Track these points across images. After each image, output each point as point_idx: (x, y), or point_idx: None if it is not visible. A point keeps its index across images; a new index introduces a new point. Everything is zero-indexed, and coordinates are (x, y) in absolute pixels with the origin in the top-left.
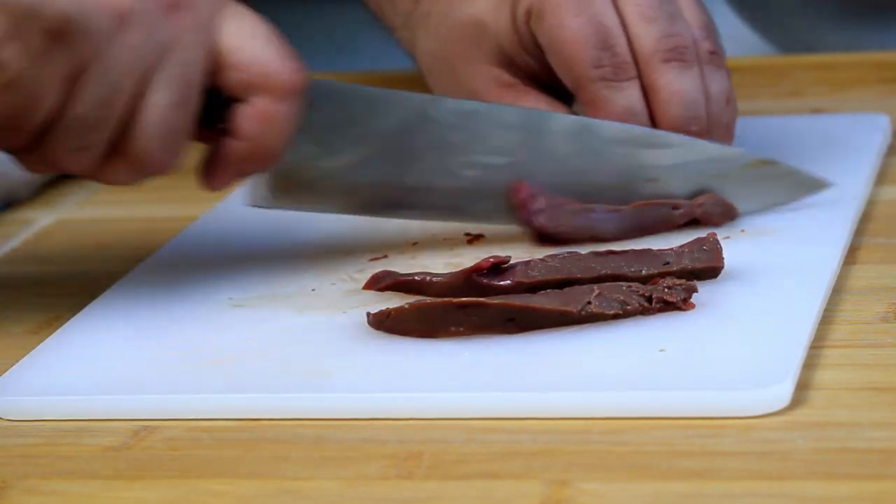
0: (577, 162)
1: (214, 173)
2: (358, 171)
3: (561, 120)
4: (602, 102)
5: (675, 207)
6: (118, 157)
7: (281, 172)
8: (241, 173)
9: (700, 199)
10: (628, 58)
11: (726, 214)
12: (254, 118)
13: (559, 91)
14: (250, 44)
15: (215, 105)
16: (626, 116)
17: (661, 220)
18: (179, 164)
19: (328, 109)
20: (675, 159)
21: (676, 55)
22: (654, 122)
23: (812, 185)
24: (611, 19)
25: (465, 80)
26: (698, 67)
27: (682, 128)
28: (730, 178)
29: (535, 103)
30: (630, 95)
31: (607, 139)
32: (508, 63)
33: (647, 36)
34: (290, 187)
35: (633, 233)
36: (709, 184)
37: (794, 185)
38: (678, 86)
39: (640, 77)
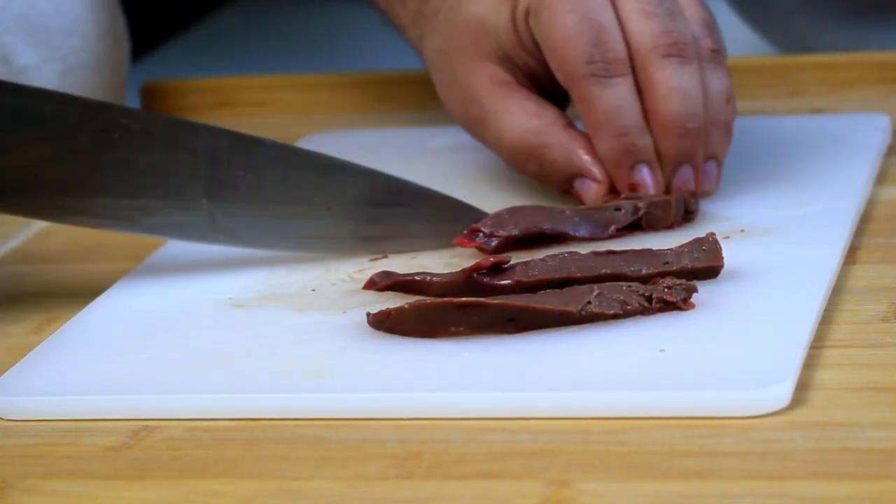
0: (261, 185)
1: None
2: (30, 173)
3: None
4: (592, 99)
5: (618, 209)
6: None
7: None
8: None
9: (640, 203)
10: (621, 54)
11: (668, 218)
12: None
13: (556, 94)
14: None
15: None
16: (616, 114)
17: (606, 222)
18: None
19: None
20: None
21: (675, 50)
22: (648, 119)
23: None
24: (606, 16)
25: (461, 77)
26: (698, 64)
27: (678, 124)
28: None
29: (524, 102)
30: (620, 92)
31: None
32: (506, 61)
33: (645, 32)
34: None
35: (601, 233)
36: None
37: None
38: (676, 81)
39: (637, 73)
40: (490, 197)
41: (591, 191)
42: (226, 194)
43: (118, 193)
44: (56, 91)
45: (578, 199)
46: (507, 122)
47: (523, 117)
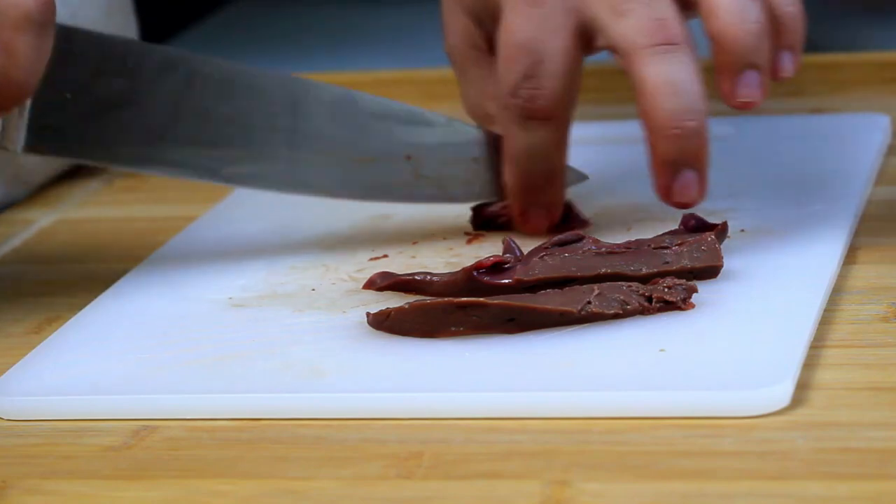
0: (336, 133)
1: None
2: (108, 119)
3: (323, 90)
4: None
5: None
6: None
7: (30, 117)
8: None
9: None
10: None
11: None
12: None
13: None
14: None
15: None
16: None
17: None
18: None
19: (79, 55)
20: (435, 139)
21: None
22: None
23: (572, 178)
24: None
25: (447, 31)
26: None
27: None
28: (484, 162)
29: (486, 80)
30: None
31: (368, 113)
32: (478, 20)
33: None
34: (40, 132)
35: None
36: (463, 166)
37: None
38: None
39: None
40: None
41: None
42: (307, 144)
43: (198, 142)
44: (136, 40)
45: None
46: (468, 93)
47: (479, 96)
